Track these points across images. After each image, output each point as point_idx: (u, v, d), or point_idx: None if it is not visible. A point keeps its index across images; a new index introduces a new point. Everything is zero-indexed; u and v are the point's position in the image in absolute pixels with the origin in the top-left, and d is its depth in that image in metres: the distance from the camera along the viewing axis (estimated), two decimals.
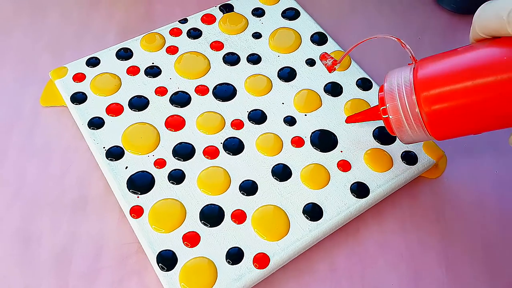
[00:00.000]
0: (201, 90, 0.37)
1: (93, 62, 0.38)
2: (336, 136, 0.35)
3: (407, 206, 0.35)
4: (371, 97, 0.38)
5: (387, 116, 0.30)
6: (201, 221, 0.31)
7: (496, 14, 0.26)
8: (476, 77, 0.26)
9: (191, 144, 0.35)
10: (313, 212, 0.32)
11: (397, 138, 0.35)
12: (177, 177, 0.33)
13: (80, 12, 0.44)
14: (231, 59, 0.39)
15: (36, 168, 0.35)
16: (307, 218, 0.32)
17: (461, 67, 0.27)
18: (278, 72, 0.39)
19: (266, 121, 0.36)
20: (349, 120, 0.35)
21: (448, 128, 0.28)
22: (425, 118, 0.28)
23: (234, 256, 0.30)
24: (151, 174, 0.33)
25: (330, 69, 0.37)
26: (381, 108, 0.30)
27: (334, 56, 0.40)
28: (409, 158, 0.35)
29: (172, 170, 0.33)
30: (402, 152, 0.35)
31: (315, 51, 0.40)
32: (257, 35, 0.41)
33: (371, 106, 0.37)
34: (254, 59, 0.39)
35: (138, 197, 0.32)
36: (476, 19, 0.27)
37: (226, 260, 0.30)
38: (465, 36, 0.31)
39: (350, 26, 0.44)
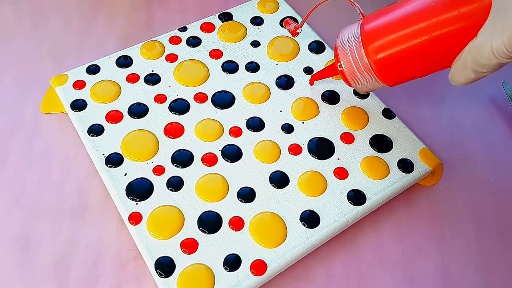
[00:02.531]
0: (200, 97, 0.38)
1: (93, 69, 0.39)
2: (333, 144, 0.36)
3: (403, 213, 0.35)
4: (368, 105, 0.38)
5: (342, 69, 0.33)
6: (199, 228, 0.31)
7: None
8: (411, 24, 0.29)
9: (189, 151, 0.35)
10: (310, 219, 0.32)
11: (393, 146, 0.36)
12: (175, 184, 0.33)
13: (81, 20, 0.45)
14: (230, 67, 0.40)
15: (36, 174, 0.35)
16: (304, 225, 0.32)
17: (399, 17, 0.30)
18: (276, 80, 0.39)
19: (264, 128, 0.37)
20: (312, 79, 0.38)
21: (395, 74, 0.32)
22: (373, 66, 0.31)
23: (232, 262, 0.30)
24: (150, 181, 0.33)
25: (293, 33, 0.39)
26: (338, 64, 0.33)
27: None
28: (406, 165, 0.35)
29: (171, 177, 0.33)
30: (399, 160, 0.35)
31: (313, 60, 0.41)
32: (255, 44, 0.41)
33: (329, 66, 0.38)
34: (253, 67, 0.40)
35: (137, 203, 0.32)
36: None
37: (223, 266, 0.30)
38: None
39: None
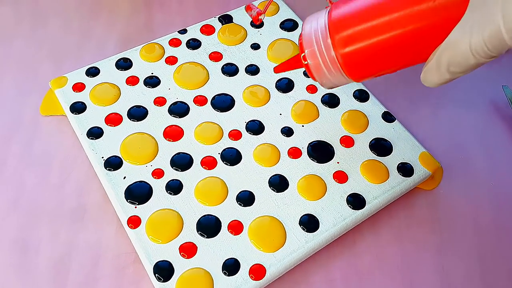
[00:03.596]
0: (200, 100, 0.38)
1: (92, 71, 0.39)
2: (332, 147, 0.36)
3: (403, 217, 0.35)
4: (368, 108, 0.38)
5: (306, 62, 0.29)
6: (198, 231, 0.31)
7: None
8: (383, 14, 0.26)
9: (189, 155, 0.35)
10: (309, 223, 0.32)
11: (392, 150, 0.36)
12: (174, 187, 0.33)
13: (81, 21, 0.45)
14: (230, 70, 0.40)
15: (35, 176, 0.35)
16: (304, 229, 0.32)
17: (369, 6, 0.27)
18: (276, 83, 0.39)
19: (264, 131, 0.36)
20: (277, 70, 0.34)
21: (363, 69, 0.28)
22: (340, 60, 0.28)
23: (231, 267, 0.30)
24: (149, 184, 0.33)
25: (256, 19, 0.36)
26: (302, 55, 0.30)
27: None
28: (405, 169, 0.35)
29: (170, 181, 0.33)
30: (398, 164, 0.35)
31: None
32: (255, 46, 0.41)
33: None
34: (253, 70, 0.40)
35: (135, 207, 0.32)
36: None
37: (222, 271, 0.30)
38: None
39: None
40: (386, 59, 0.27)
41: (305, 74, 0.40)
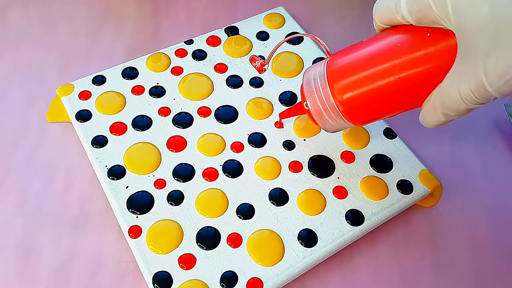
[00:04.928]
0: (204, 111, 0.38)
1: (99, 80, 0.39)
2: (333, 162, 0.36)
3: (401, 234, 0.36)
4: (370, 124, 0.38)
5: (308, 108, 0.32)
6: (197, 243, 0.32)
7: (387, 5, 0.28)
8: (377, 64, 0.28)
9: (191, 166, 0.35)
10: (308, 238, 0.33)
11: (393, 166, 0.36)
12: (176, 198, 0.34)
13: (90, 28, 0.46)
14: (234, 82, 0.40)
15: (39, 183, 0.36)
16: (302, 244, 0.32)
17: (364, 57, 0.29)
18: (279, 96, 0.40)
19: (266, 144, 0.37)
20: (282, 116, 0.37)
21: (362, 114, 0.30)
22: (340, 107, 0.30)
23: (228, 279, 0.31)
24: (151, 194, 0.34)
25: (260, 70, 0.38)
26: (304, 103, 0.32)
27: None
28: (405, 187, 0.35)
29: (172, 191, 0.34)
30: (398, 181, 0.35)
31: None
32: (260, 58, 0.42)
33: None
34: (257, 82, 0.40)
35: (137, 217, 0.33)
36: (374, 11, 0.29)
37: (220, 283, 0.30)
38: None
39: None
40: (384, 105, 0.29)
41: None
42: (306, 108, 0.32)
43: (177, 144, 0.36)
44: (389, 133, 0.38)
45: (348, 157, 0.36)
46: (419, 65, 0.27)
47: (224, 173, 0.35)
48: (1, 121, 0.39)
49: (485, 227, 0.36)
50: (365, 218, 0.34)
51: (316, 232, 0.33)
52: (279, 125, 0.38)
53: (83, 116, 0.37)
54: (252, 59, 0.38)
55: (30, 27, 0.45)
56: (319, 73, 0.31)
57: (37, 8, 0.47)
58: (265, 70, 0.38)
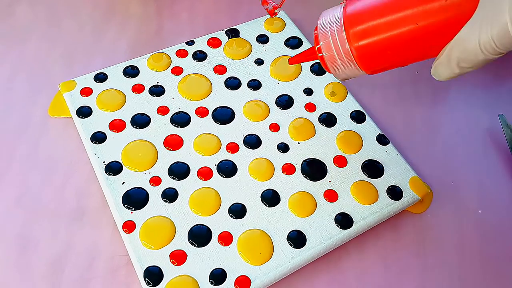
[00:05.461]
0: (201, 111, 0.39)
1: (101, 77, 0.40)
2: (326, 166, 0.37)
3: (389, 239, 0.36)
4: (363, 129, 0.39)
5: (321, 54, 0.31)
6: (189, 240, 0.33)
7: None
8: (396, 11, 0.28)
9: (186, 164, 0.36)
10: (297, 239, 0.33)
11: (384, 172, 0.37)
12: (170, 195, 0.35)
13: (94, 25, 0.47)
14: (233, 83, 0.41)
15: (39, 176, 0.37)
16: (291, 245, 0.33)
17: (383, 3, 0.28)
18: (276, 99, 0.40)
19: (261, 146, 0.38)
20: (291, 61, 0.35)
21: (376, 62, 0.30)
22: (355, 53, 0.30)
23: (218, 276, 0.31)
24: (146, 191, 0.35)
25: (271, 13, 0.38)
26: (316, 47, 0.31)
27: (333, 87, 0.41)
28: (395, 193, 0.36)
29: (166, 189, 0.35)
30: (388, 187, 0.36)
31: (314, 81, 0.42)
32: (259, 62, 0.43)
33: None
34: (255, 84, 0.41)
35: (131, 212, 0.34)
36: None
37: (209, 280, 0.31)
38: None
39: None
40: (398, 53, 0.29)
41: (305, 92, 0.41)
42: (319, 54, 0.31)
43: (173, 143, 0.37)
44: (382, 139, 0.39)
45: (340, 161, 0.37)
46: (440, 13, 0.26)
47: (219, 173, 0.36)
48: (5, 114, 0.40)
49: (473, 235, 0.37)
50: (354, 222, 0.34)
51: (305, 234, 0.34)
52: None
53: (84, 112, 0.38)
54: (264, 1, 0.38)
55: (36, 22, 0.46)
56: (335, 17, 0.30)
57: (44, 3, 0.48)
58: (276, 14, 0.38)
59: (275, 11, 0.37)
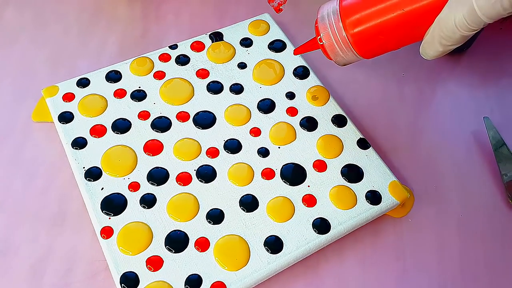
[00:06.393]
0: (183, 116, 0.39)
1: (83, 82, 0.41)
2: (305, 171, 0.37)
3: (368, 243, 0.36)
4: (344, 134, 0.39)
5: (322, 43, 0.35)
6: (166, 246, 0.33)
7: None
8: (385, 0, 0.32)
9: (166, 169, 0.36)
10: (274, 244, 0.34)
11: (363, 177, 0.37)
12: (149, 201, 0.35)
13: (80, 29, 0.47)
14: (215, 88, 0.41)
15: (21, 180, 0.37)
16: (268, 250, 0.33)
17: None
18: (258, 103, 0.40)
19: (241, 151, 0.38)
20: (296, 52, 0.39)
21: (370, 46, 0.34)
22: (351, 40, 0.34)
23: (193, 282, 0.32)
24: (125, 197, 0.35)
25: (277, 9, 0.41)
26: (318, 38, 0.35)
27: (315, 90, 0.41)
28: (373, 197, 0.36)
29: (145, 194, 0.35)
30: (367, 191, 0.36)
31: (296, 85, 0.42)
32: (242, 65, 0.43)
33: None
34: (237, 89, 0.41)
35: (109, 218, 0.34)
36: None
37: (184, 285, 0.32)
38: None
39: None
40: (390, 37, 0.33)
41: (287, 96, 0.41)
42: (320, 43, 0.35)
43: (153, 148, 0.37)
44: (363, 143, 0.39)
45: (320, 166, 0.37)
46: None
47: (198, 178, 0.36)
48: None
49: (453, 239, 0.37)
50: (331, 227, 0.35)
51: (282, 239, 0.34)
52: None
53: (66, 117, 0.38)
54: None
55: (24, 26, 0.47)
56: (332, 9, 0.34)
57: (32, 7, 0.48)
58: (281, 10, 0.41)
59: (280, 7, 0.40)
